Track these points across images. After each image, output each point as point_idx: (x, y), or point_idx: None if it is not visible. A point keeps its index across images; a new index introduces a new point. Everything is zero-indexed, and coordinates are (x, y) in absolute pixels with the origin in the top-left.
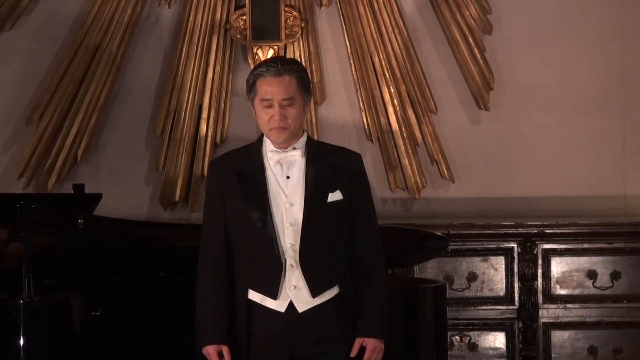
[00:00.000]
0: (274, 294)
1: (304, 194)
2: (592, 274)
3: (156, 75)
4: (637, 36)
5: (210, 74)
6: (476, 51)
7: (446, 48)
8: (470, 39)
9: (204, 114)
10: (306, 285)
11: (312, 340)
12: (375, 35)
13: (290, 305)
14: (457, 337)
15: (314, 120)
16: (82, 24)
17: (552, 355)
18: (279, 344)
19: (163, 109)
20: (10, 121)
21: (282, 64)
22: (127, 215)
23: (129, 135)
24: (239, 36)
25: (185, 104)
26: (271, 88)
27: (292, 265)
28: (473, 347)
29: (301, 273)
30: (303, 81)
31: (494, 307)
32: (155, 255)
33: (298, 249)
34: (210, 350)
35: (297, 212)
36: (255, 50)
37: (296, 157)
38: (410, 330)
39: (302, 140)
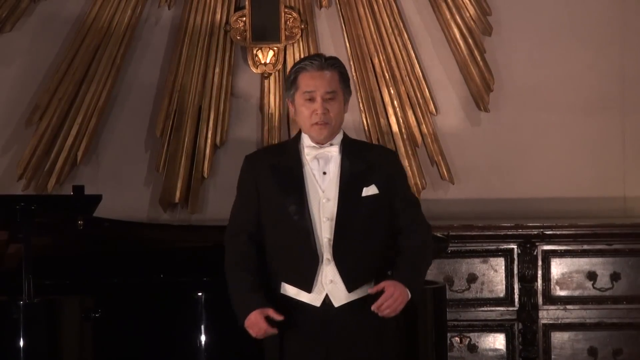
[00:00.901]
0: (308, 288)
1: (338, 188)
2: (592, 275)
3: (156, 77)
4: (637, 37)
5: (210, 76)
6: (476, 52)
7: (446, 49)
8: (470, 41)
9: (204, 116)
10: (341, 279)
11: (348, 339)
12: (375, 37)
13: (326, 300)
14: (457, 338)
15: None
16: (82, 26)
17: (552, 357)
18: (315, 341)
19: (163, 111)
20: (10, 122)
21: (324, 59)
22: (127, 217)
23: (129, 137)
24: (238, 37)
25: (185, 106)
26: (314, 81)
27: (329, 260)
28: (473, 348)
29: (336, 267)
30: (344, 77)
31: (493, 308)
32: (155, 257)
33: (333, 243)
34: (253, 317)
35: (333, 207)
36: (255, 52)
37: (333, 153)
38: (410, 332)
39: (339, 137)
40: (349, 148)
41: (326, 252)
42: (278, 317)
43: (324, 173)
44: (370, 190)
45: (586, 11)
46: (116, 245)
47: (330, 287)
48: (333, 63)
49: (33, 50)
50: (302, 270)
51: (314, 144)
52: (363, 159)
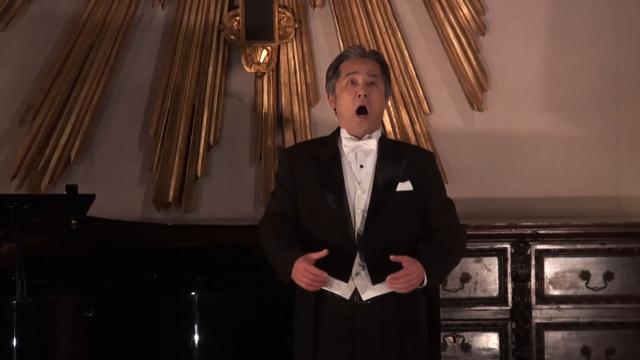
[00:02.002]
0: (345, 277)
1: (373, 181)
2: (585, 275)
3: (150, 76)
4: (630, 37)
5: (203, 75)
6: (469, 52)
7: (440, 49)
8: (463, 40)
9: (198, 115)
10: (368, 272)
11: (376, 334)
12: (368, 36)
13: (355, 294)
14: (450, 337)
15: (307, 121)
16: (76, 25)
17: (545, 356)
18: (345, 333)
19: (156, 110)
20: (3, 122)
21: (366, 49)
22: (121, 216)
23: (123, 136)
24: (232, 37)
25: (178, 105)
26: (357, 65)
27: (359, 252)
28: (466, 347)
29: (364, 260)
30: (385, 69)
31: (487, 307)
32: (149, 256)
33: (362, 235)
34: (299, 265)
35: (366, 199)
36: (248, 51)
37: (371, 146)
38: None
39: (378, 133)
40: (388, 145)
41: (358, 244)
42: (322, 254)
43: (361, 166)
44: (405, 186)
45: (580, 11)
46: (110, 244)
47: (357, 279)
48: (375, 53)
49: (26, 49)
50: (338, 260)
51: (352, 137)
52: (400, 155)
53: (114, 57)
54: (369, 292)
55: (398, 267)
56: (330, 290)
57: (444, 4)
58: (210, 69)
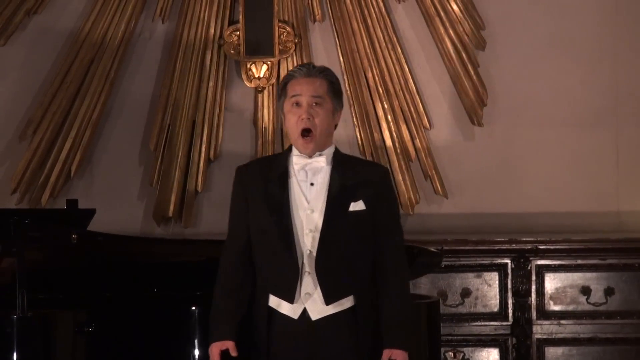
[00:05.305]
0: (290, 298)
1: (325, 201)
2: (585, 290)
3: (150, 91)
4: (630, 52)
5: (203, 90)
6: (469, 67)
7: (440, 64)
8: (463, 55)
9: (198, 130)
10: (320, 292)
11: (327, 353)
12: (368, 51)
13: (305, 313)
14: (450, 353)
15: None
16: (76, 40)
17: None
18: (297, 353)
19: (157, 125)
20: (4, 136)
21: (313, 67)
22: (121, 231)
23: (123, 151)
24: (232, 52)
25: (178, 120)
26: (300, 87)
27: (308, 272)
28: None
29: (316, 280)
30: (334, 86)
31: (487, 323)
32: (149, 271)
33: (315, 255)
34: (212, 349)
35: (317, 219)
36: (249, 66)
37: (321, 164)
38: None
39: (330, 150)
40: (340, 161)
41: (307, 265)
42: (233, 354)
43: (312, 184)
44: (357, 206)
45: (579, 26)
46: (110, 259)
47: (307, 299)
48: (322, 70)
49: (27, 64)
50: (283, 281)
51: (302, 155)
52: (353, 173)
53: (114, 72)
54: (319, 312)
55: (351, 286)
56: (279, 309)
57: (444, 19)
58: (211, 83)
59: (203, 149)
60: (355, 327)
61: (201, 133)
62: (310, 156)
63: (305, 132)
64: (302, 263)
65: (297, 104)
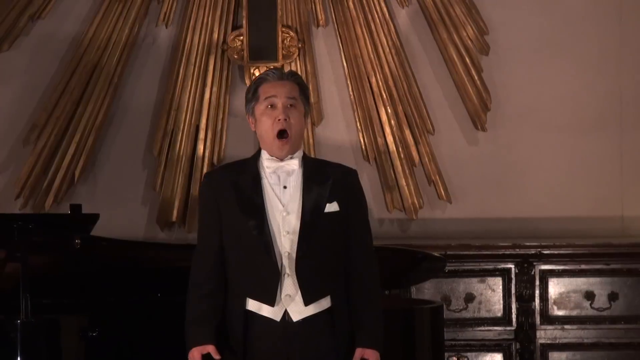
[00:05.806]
0: (271, 301)
1: (301, 203)
2: (589, 295)
3: (153, 96)
4: (634, 56)
5: (207, 95)
6: (473, 72)
7: (443, 69)
8: (467, 60)
9: (201, 135)
10: (300, 293)
11: (309, 355)
12: (372, 56)
13: (286, 315)
14: (454, 358)
15: (311, 140)
16: (80, 45)
17: None
18: (277, 356)
19: (160, 129)
20: (7, 141)
21: (283, 71)
22: (124, 236)
23: (126, 156)
24: (236, 57)
25: (182, 124)
26: (275, 89)
27: (288, 274)
28: None
29: (296, 281)
30: (304, 90)
31: (491, 328)
32: (152, 276)
33: (294, 257)
34: (193, 353)
35: (294, 221)
36: (252, 71)
37: (293, 166)
38: (408, 351)
39: (300, 152)
40: (310, 164)
41: (286, 267)
42: (216, 357)
43: (285, 187)
44: (332, 207)
45: (583, 31)
46: (113, 264)
47: (288, 301)
48: (293, 74)
49: (31, 69)
50: (263, 284)
51: (273, 158)
52: (325, 175)
53: (117, 76)
54: (300, 313)
55: (330, 287)
56: (259, 313)
57: (448, 24)
58: (214, 88)
59: (206, 154)
60: (333, 327)
61: (205, 138)
62: (282, 159)
63: (282, 134)
64: (282, 265)
65: (272, 105)
